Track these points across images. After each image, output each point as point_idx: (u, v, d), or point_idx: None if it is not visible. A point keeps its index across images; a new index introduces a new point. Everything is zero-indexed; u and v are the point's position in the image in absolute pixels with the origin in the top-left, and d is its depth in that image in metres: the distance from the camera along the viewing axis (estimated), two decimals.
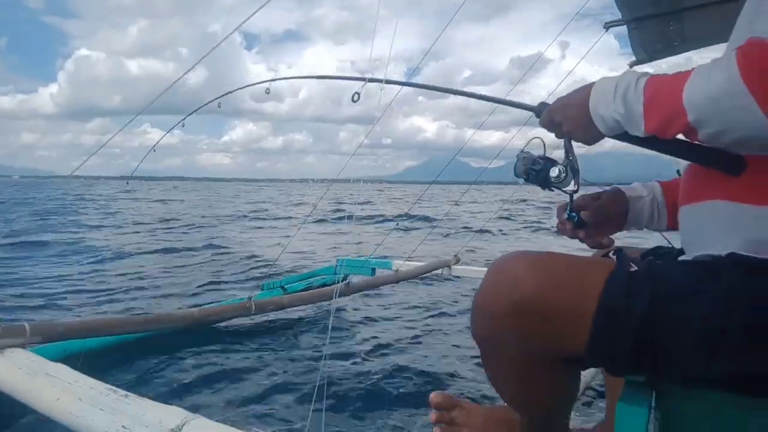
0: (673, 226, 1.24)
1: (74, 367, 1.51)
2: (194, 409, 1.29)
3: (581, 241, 1.17)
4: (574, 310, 0.82)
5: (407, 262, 4.04)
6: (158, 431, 1.16)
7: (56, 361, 1.55)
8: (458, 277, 4.07)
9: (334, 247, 7.92)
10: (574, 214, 1.14)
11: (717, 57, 0.82)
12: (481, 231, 9.03)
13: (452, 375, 2.62)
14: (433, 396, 1.18)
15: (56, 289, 4.68)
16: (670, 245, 1.22)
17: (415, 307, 4.03)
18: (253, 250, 7.62)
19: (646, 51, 3.35)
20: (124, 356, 2.47)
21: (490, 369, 0.99)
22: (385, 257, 4.44)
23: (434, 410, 1.17)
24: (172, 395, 2.12)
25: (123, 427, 1.19)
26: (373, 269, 4.07)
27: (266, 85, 2.24)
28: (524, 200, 22.82)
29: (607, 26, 3.14)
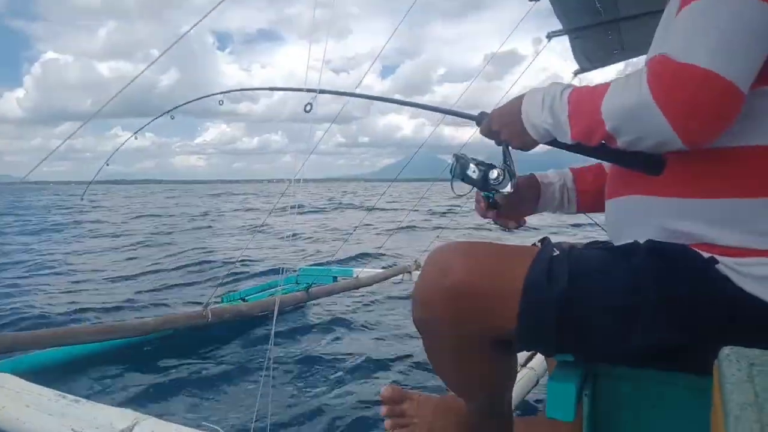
0: (582, 210, 1.34)
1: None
2: (146, 412, 1.29)
3: (493, 221, 1.24)
4: (503, 294, 0.87)
5: (367, 269, 4.07)
6: None
7: None
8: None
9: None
10: (490, 194, 1.19)
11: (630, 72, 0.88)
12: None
13: (404, 372, 2.67)
14: (384, 390, 1.20)
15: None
16: (604, 240, 1.30)
17: (372, 313, 4.06)
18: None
19: (588, 59, 3.49)
20: (77, 369, 2.41)
21: (431, 356, 1.03)
22: (347, 266, 4.47)
23: (384, 404, 1.20)
24: (125, 402, 2.10)
25: (72, 430, 1.18)
26: (335, 277, 4.08)
27: (219, 97, 2.24)
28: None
29: (550, 36, 3.25)
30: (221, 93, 2.19)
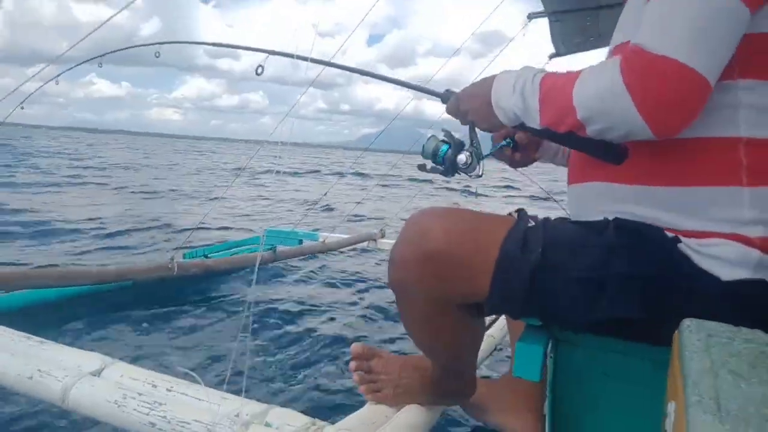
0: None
1: None
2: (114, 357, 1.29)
3: (515, 165, 1.31)
4: (479, 259, 0.91)
5: (333, 235, 4.10)
6: (77, 375, 1.16)
7: None
8: (383, 250, 4.18)
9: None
10: (509, 140, 1.24)
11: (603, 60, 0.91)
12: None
13: (373, 333, 2.74)
14: (354, 346, 1.25)
15: None
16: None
17: (339, 277, 4.11)
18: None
19: (564, 44, 3.54)
20: (36, 315, 2.36)
21: (403, 315, 1.07)
22: (314, 230, 4.50)
23: (354, 360, 1.23)
24: (91, 348, 2.09)
25: (39, 370, 1.17)
26: (301, 240, 4.09)
27: (156, 47, 2.05)
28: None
29: (531, 17, 3.27)
30: (157, 43, 2.04)
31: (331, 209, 8.40)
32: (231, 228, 6.44)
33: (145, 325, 2.54)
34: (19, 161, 16.10)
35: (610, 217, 0.96)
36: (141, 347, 2.26)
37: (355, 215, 6.98)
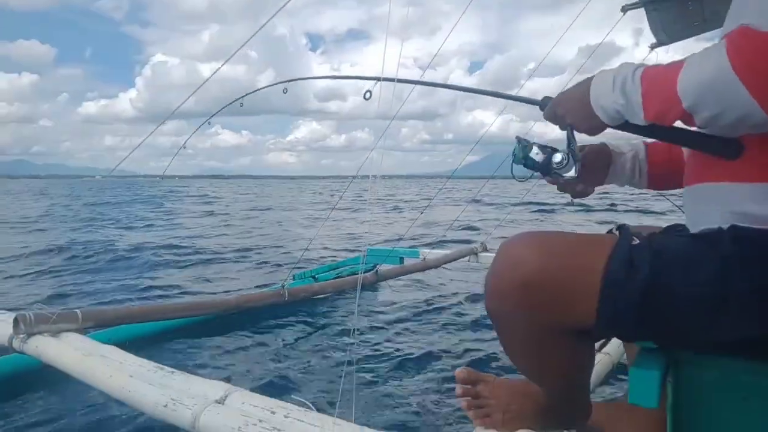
0: (652, 186, 1.29)
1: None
2: (235, 383, 1.39)
3: (569, 192, 1.22)
4: (580, 284, 0.87)
5: (434, 251, 4.10)
6: (204, 402, 1.26)
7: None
8: (485, 264, 4.12)
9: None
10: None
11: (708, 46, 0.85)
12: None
13: (476, 351, 2.70)
14: (458, 372, 1.22)
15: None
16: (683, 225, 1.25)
17: (441, 294, 4.10)
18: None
19: (666, 32, 3.29)
20: (167, 341, 2.64)
21: (505, 345, 1.04)
22: (413, 247, 4.53)
23: (460, 385, 1.22)
24: (214, 373, 2.28)
25: (171, 399, 1.29)
26: (401, 258, 4.14)
27: (283, 85, 2.24)
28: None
29: (625, 9, 3.07)
30: (284, 82, 2.19)
31: (434, 225, 8.48)
32: (337, 249, 6.70)
33: (260, 350, 2.71)
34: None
35: (726, 224, 0.88)
36: (255, 372, 2.41)
37: (459, 227, 7.00)
